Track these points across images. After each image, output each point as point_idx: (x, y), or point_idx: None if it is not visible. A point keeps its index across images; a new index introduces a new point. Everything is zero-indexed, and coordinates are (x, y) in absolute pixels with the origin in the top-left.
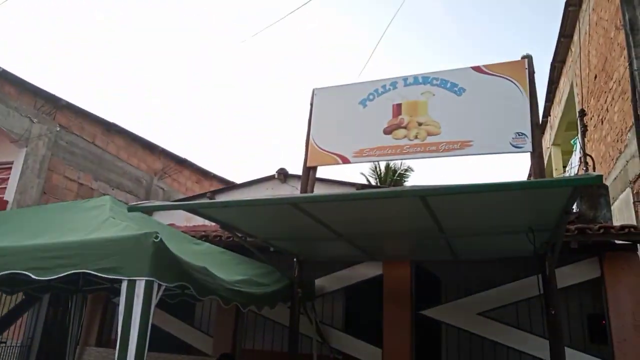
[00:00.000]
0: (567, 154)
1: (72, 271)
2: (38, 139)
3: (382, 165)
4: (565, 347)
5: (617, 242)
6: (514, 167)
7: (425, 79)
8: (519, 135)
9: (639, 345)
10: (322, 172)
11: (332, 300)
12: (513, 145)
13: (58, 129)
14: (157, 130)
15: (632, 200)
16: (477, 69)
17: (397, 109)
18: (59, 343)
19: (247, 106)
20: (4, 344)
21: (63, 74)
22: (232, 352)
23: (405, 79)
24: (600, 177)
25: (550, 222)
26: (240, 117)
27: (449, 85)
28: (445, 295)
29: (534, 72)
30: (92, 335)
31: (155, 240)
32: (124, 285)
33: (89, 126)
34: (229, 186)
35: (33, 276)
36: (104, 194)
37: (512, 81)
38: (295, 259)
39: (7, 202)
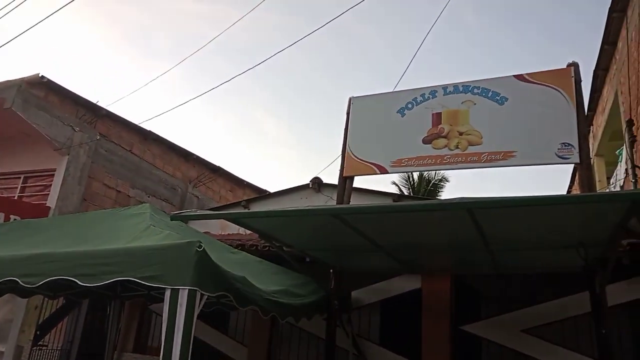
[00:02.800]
0: (610, 165)
1: (118, 278)
2: (79, 147)
3: (415, 174)
4: None
5: None
6: (551, 179)
7: (465, 88)
8: (565, 145)
9: None
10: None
11: (369, 313)
12: (559, 156)
13: (98, 137)
14: (191, 139)
15: None
16: (520, 77)
17: (437, 118)
18: (97, 348)
19: (280, 113)
20: (45, 347)
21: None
22: None
23: (445, 87)
24: None
25: (603, 237)
26: (273, 124)
27: (490, 94)
28: (486, 311)
29: (580, 81)
30: (129, 341)
31: (199, 250)
32: (168, 294)
33: (127, 135)
34: (263, 195)
35: (80, 282)
36: (141, 202)
37: (557, 90)
38: (331, 270)
39: (49, 208)
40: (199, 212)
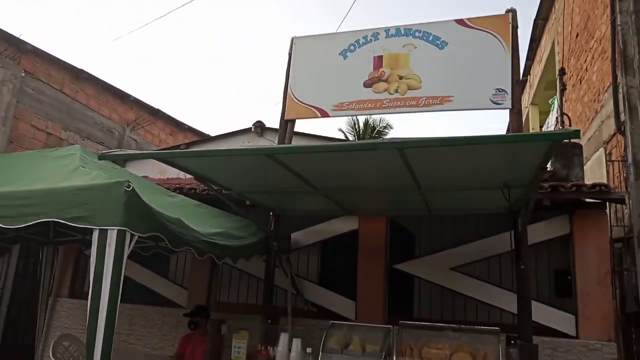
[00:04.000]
0: (544, 114)
1: (41, 220)
2: (1, 84)
3: (361, 121)
4: (532, 301)
5: (587, 200)
6: (490, 127)
7: (407, 31)
8: (499, 91)
9: (601, 298)
10: (301, 126)
11: (307, 254)
12: (493, 102)
13: (23, 74)
14: (129, 78)
15: (604, 160)
16: (460, 22)
17: (379, 61)
18: (30, 294)
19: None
20: None
21: (27, 15)
22: (207, 304)
23: (387, 30)
24: (577, 131)
25: (526, 178)
26: (217, 67)
27: (431, 38)
28: (419, 251)
29: (517, 27)
30: (64, 286)
31: (127, 189)
32: (95, 234)
33: (57, 73)
34: (204, 138)
35: (0, 225)
36: (74, 145)
37: (495, 35)
38: (271, 213)
39: None
40: (128, 152)
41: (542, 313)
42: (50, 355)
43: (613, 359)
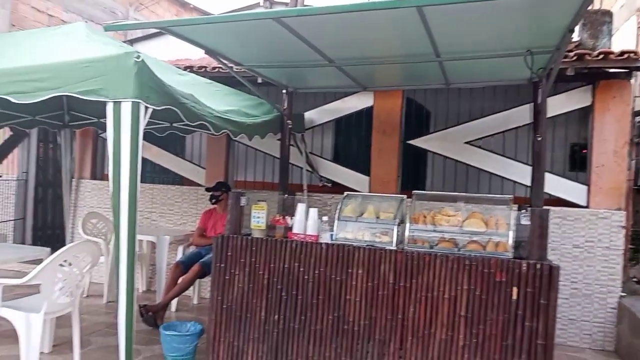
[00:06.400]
0: None
1: (53, 94)
2: None
3: None
4: (546, 173)
5: (612, 70)
6: None
7: None
8: None
9: (616, 169)
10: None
11: (321, 133)
12: None
13: None
14: None
15: (636, 27)
16: None
17: None
18: (54, 177)
19: None
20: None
21: None
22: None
23: None
24: None
25: (551, 43)
26: None
27: None
28: (434, 127)
29: None
30: (85, 169)
31: (137, 60)
32: (109, 108)
33: None
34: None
35: (13, 100)
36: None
37: None
38: (284, 91)
39: None
40: (133, 22)
41: (555, 184)
42: (81, 231)
43: (621, 226)
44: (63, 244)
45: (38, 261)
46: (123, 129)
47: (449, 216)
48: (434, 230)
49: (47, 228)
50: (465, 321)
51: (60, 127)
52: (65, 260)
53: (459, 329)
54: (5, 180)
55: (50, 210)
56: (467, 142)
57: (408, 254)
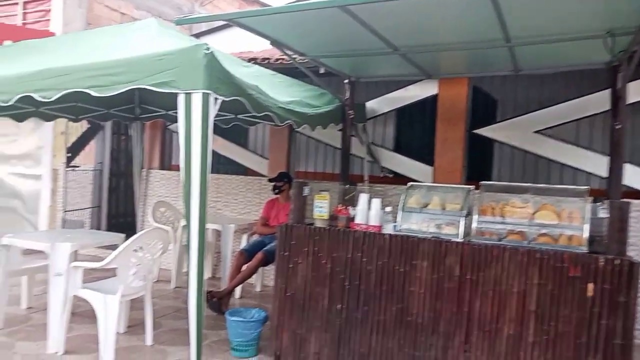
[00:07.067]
0: None
1: (129, 87)
2: None
3: None
4: (624, 163)
5: None
6: None
7: None
8: None
9: None
10: None
11: (383, 122)
12: None
13: None
14: None
15: None
16: None
17: None
18: (126, 167)
19: None
20: (77, 167)
21: None
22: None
23: None
24: None
25: (633, 23)
26: None
27: None
28: (501, 115)
29: None
30: (154, 159)
31: (207, 52)
32: (181, 99)
33: None
34: None
35: (93, 93)
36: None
37: None
38: (346, 81)
39: (54, 34)
40: (204, 15)
41: (634, 176)
42: (151, 219)
43: None
44: (134, 231)
45: (111, 247)
46: (194, 120)
47: (518, 208)
48: (503, 222)
49: (119, 216)
50: (536, 317)
51: (131, 119)
52: (139, 247)
53: (529, 324)
54: (83, 170)
55: (122, 199)
56: (536, 132)
57: (475, 246)
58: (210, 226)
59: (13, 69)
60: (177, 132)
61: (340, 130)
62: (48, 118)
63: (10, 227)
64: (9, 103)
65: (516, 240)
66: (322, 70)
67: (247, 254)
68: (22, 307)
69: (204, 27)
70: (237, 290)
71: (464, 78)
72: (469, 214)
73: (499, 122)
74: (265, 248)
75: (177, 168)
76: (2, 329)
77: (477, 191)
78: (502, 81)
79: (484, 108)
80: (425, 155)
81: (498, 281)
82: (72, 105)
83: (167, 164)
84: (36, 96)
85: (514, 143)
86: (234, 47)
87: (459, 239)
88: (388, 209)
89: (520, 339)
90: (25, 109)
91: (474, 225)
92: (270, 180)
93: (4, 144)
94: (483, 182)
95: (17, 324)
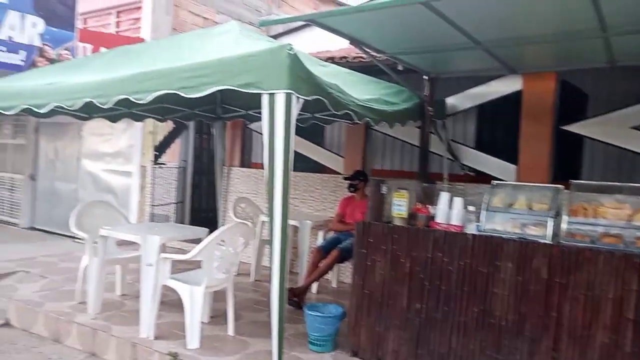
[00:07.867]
0: None
1: (216, 88)
2: None
3: None
4: None
5: None
6: None
7: None
8: None
9: None
10: None
11: (464, 119)
12: None
13: None
14: None
15: None
16: None
17: None
18: (208, 164)
19: None
20: (164, 165)
21: None
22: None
23: None
24: None
25: None
26: None
27: None
28: (592, 111)
29: None
30: (235, 157)
31: (290, 53)
32: (265, 99)
33: None
34: None
35: (182, 94)
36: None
37: None
38: (425, 77)
39: (144, 40)
40: (287, 16)
41: None
42: (232, 214)
43: None
44: (215, 226)
45: (195, 240)
46: (277, 119)
47: (614, 209)
48: (597, 224)
49: (202, 211)
50: (634, 326)
51: (213, 119)
52: (223, 240)
53: (625, 333)
54: (169, 167)
55: (205, 195)
56: (633, 127)
57: (565, 249)
58: (288, 222)
59: (110, 74)
60: (257, 131)
61: (418, 127)
62: (138, 118)
63: (105, 220)
64: (107, 105)
65: (612, 244)
66: (400, 67)
67: (323, 251)
68: (116, 294)
69: (280, 28)
70: (314, 286)
71: (551, 72)
72: (557, 215)
73: (591, 117)
74: (341, 245)
75: (256, 166)
76: (100, 313)
77: (566, 191)
78: (593, 73)
79: (573, 103)
80: (508, 153)
81: (591, 286)
82: (159, 106)
83: (247, 162)
84: (132, 98)
85: (607, 140)
86: (311, 47)
87: (548, 240)
88: (471, 208)
89: (615, 348)
90: (118, 110)
91: (564, 226)
92: (346, 179)
93: (99, 143)
94: (573, 181)
95: (112, 309)
